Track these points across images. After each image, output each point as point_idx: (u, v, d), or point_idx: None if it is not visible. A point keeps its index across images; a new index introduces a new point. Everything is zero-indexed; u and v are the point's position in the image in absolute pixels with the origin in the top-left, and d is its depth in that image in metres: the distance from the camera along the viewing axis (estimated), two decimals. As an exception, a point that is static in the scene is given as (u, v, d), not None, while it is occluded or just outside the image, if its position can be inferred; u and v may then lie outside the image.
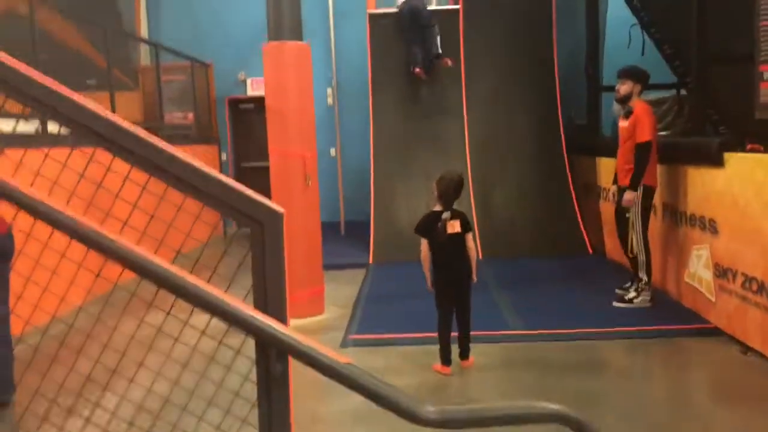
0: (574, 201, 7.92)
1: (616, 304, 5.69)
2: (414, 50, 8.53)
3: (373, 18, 8.92)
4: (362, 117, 9.42)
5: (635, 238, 5.66)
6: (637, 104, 5.66)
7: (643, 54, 8.21)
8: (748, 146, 4.71)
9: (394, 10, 9.01)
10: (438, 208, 4.41)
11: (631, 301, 5.65)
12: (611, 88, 7.97)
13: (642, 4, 7.97)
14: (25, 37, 5.92)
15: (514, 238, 7.81)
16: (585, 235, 7.66)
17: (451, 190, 4.37)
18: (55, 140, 2.12)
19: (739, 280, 4.66)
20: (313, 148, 6.19)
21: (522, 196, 8.09)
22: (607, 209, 7.10)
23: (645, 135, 5.46)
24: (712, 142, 5.11)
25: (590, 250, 7.66)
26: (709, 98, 5.79)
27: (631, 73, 5.73)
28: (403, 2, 8.72)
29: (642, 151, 5.47)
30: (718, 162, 4.96)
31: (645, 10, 7.96)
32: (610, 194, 6.30)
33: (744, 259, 4.61)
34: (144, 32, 11.05)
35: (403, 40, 8.71)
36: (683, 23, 6.09)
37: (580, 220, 7.79)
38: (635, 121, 5.57)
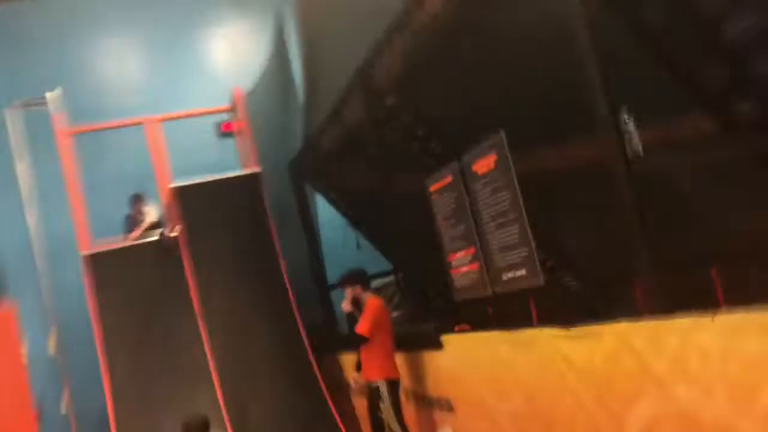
0: (331, 406, 7.77)
1: None
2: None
3: (87, 259, 8.48)
4: (95, 360, 8.60)
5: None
6: (368, 300, 5.88)
7: (358, 247, 8.95)
8: (456, 327, 5.23)
9: (113, 246, 8.75)
10: None
11: None
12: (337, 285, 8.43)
13: (347, 206, 8.81)
14: None
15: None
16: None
17: None
18: None
19: (483, 454, 4.94)
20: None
21: (279, 412, 7.78)
22: (360, 403, 7.15)
23: (360, 327, 5.69)
24: (430, 328, 5.58)
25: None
26: (417, 286, 6.40)
27: (344, 281, 6.10)
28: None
29: (357, 339, 5.75)
30: (438, 345, 5.37)
31: (350, 211, 8.80)
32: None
33: (480, 432, 4.92)
34: None
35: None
36: (380, 222, 6.82)
37: (341, 425, 7.63)
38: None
